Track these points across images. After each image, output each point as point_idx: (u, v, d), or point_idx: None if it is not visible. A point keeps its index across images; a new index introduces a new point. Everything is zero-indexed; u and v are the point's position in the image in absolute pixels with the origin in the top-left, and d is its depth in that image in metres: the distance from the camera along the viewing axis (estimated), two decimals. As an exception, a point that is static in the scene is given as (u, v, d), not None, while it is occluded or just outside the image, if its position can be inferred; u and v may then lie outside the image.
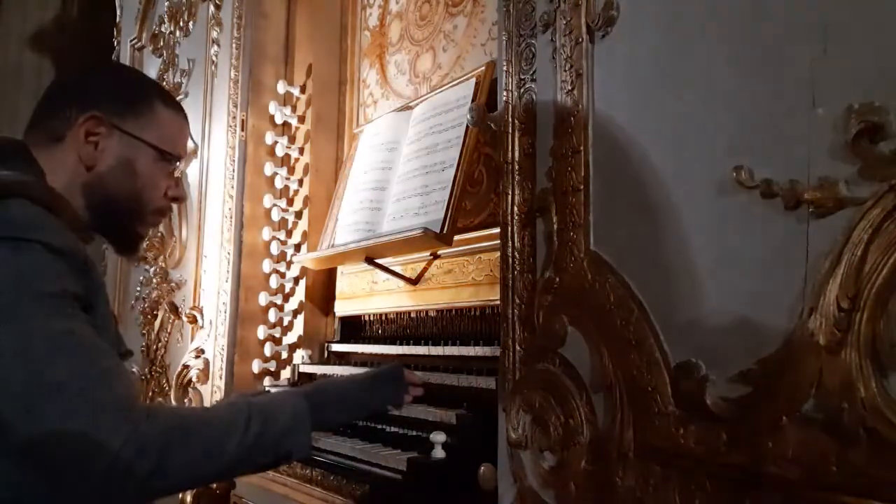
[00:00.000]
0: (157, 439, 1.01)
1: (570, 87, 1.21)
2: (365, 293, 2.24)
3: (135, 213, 1.32)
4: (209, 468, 1.10)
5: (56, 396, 0.97)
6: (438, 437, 1.43)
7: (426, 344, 1.88)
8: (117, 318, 1.29)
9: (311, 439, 1.22)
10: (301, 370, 2.31)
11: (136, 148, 1.28)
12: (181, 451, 1.04)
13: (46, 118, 1.27)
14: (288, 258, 2.48)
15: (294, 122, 2.55)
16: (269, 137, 2.53)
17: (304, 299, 2.41)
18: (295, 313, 2.44)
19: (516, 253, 1.29)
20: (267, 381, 2.42)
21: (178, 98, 2.88)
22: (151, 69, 3.13)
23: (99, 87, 1.30)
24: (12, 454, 0.99)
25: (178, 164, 1.37)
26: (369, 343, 2.20)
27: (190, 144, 2.81)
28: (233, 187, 2.51)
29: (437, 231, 1.75)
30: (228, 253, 2.49)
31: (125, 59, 3.32)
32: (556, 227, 1.21)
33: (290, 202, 2.53)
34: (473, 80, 1.92)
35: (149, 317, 2.92)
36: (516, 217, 1.30)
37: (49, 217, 1.08)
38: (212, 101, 2.70)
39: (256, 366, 2.41)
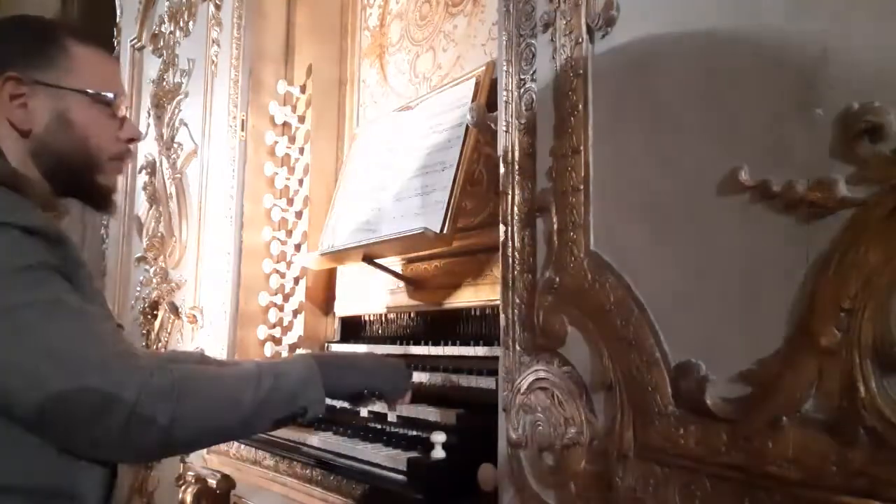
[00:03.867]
0: (171, 388, 1.00)
1: (570, 88, 1.21)
2: (365, 293, 2.24)
3: (90, 166, 1.26)
4: (226, 419, 1.09)
5: (59, 360, 0.95)
6: (438, 437, 1.43)
7: (426, 344, 1.88)
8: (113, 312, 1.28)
9: (324, 397, 1.20)
10: (301, 370, 2.31)
11: (64, 98, 1.21)
12: (197, 401, 1.03)
13: None
14: (288, 258, 2.48)
15: (294, 122, 2.55)
16: (270, 137, 2.53)
17: (304, 299, 2.41)
18: (295, 313, 2.43)
19: (516, 253, 1.29)
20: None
21: (177, 98, 2.90)
22: (151, 69, 3.14)
23: (5, 45, 1.22)
24: (25, 426, 0.98)
25: (116, 101, 1.28)
26: (369, 343, 2.20)
27: (190, 144, 2.82)
28: (233, 187, 2.51)
29: (437, 231, 1.74)
30: (228, 253, 2.49)
31: (125, 59, 3.31)
32: (556, 227, 1.21)
33: (291, 202, 2.53)
34: (473, 80, 1.92)
35: (149, 317, 2.92)
36: (516, 217, 1.30)
37: (18, 198, 1.07)
38: (212, 101, 2.70)
39: (256, 366, 2.40)
